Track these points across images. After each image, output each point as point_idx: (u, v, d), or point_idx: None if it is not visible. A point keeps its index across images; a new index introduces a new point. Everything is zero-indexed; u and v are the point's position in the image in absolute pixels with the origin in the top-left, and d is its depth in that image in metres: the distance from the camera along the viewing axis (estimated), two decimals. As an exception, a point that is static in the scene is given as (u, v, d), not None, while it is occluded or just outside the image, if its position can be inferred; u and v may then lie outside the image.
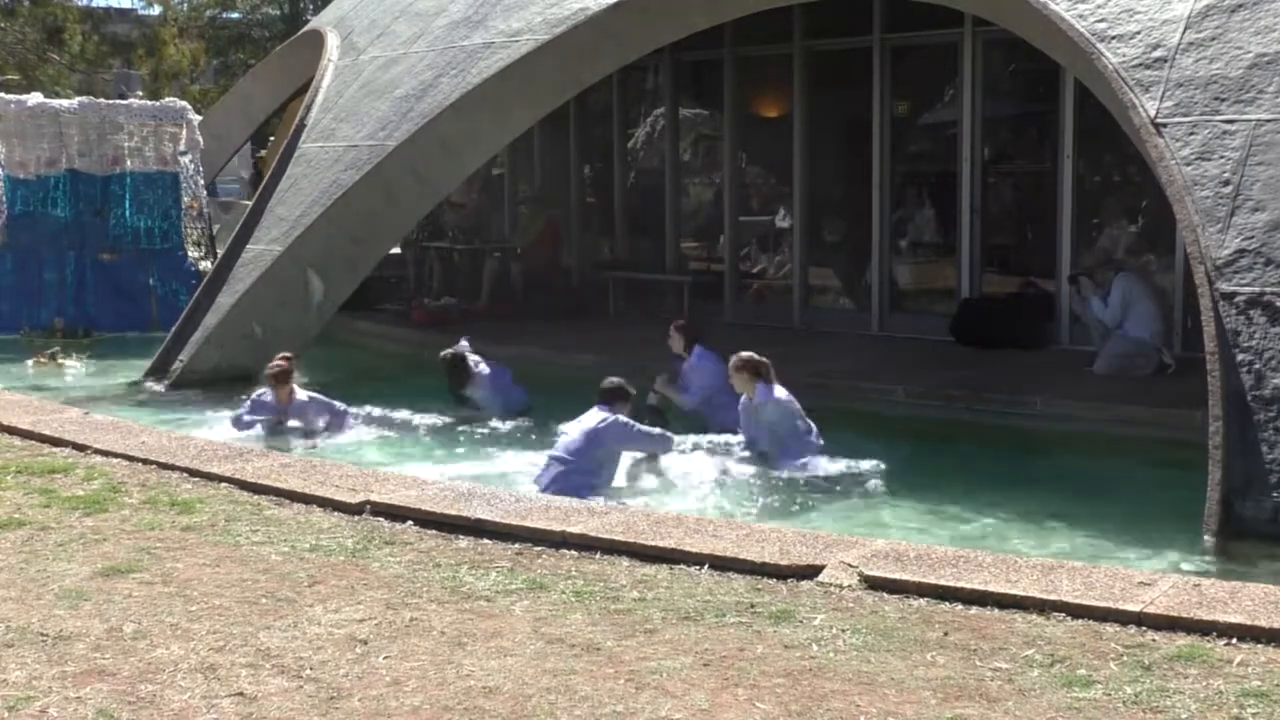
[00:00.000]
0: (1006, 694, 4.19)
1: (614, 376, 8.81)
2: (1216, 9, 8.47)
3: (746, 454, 8.82)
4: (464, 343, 10.90)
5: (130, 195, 15.45)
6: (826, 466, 8.63)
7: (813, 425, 8.84)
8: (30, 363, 13.18)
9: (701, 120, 16.47)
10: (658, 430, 8.79)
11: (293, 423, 9.96)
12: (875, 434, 9.69)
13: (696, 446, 9.03)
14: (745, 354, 8.95)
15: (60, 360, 13.23)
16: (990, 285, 13.19)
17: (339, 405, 10.19)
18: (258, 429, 9.90)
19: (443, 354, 10.79)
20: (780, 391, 8.84)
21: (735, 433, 9.05)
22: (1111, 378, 10.73)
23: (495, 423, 10.17)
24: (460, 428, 10.10)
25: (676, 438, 8.79)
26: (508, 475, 8.63)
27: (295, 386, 10.10)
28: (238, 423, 9.96)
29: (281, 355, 10.20)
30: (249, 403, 10.11)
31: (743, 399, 8.97)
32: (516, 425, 10.09)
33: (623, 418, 8.50)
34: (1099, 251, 12.32)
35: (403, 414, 10.34)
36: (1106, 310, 11.11)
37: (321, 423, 10.02)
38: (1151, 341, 10.97)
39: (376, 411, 10.41)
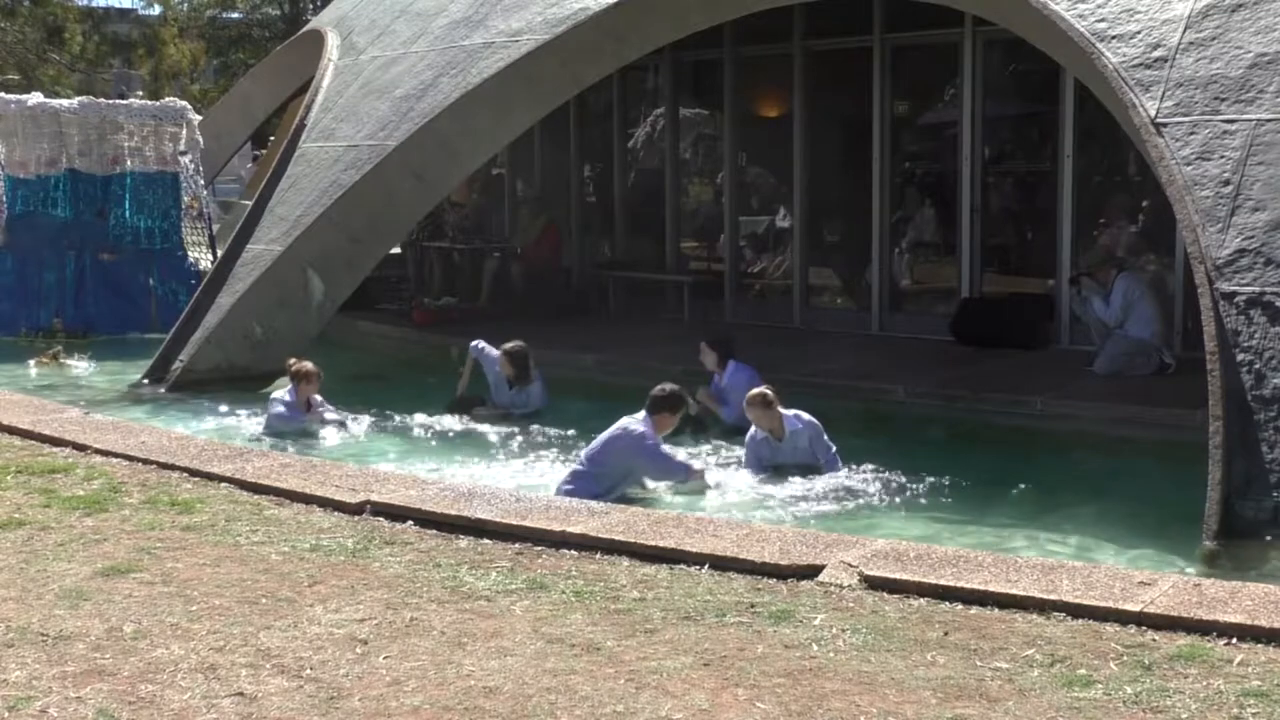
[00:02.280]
0: (1006, 694, 4.19)
1: (669, 384, 8.43)
2: (1216, 9, 8.47)
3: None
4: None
5: (130, 195, 15.45)
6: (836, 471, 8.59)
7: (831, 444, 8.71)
8: (33, 363, 13.18)
9: (701, 120, 16.46)
10: (680, 459, 8.34)
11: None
12: (875, 434, 9.70)
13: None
14: (764, 390, 8.60)
15: (62, 360, 13.23)
16: (990, 285, 13.19)
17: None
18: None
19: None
20: (804, 414, 8.64)
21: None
22: (1111, 377, 10.74)
23: (497, 424, 10.19)
24: (460, 428, 10.11)
25: (701, 470, 8.36)
26: (508, 475, 8.63)
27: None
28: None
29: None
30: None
31: (759, 434, 8.57)
32: (518, 425, 10.09)
33: (649, 435, 8.09)
34: (1100, 251, 12.32)
35: (403, 414, 10.34)
36: (1108, 310, 11.11)
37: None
38: (1152, 341, 10.98)
39: (376, 411, 10.41)
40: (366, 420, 10.25)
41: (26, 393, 10.82)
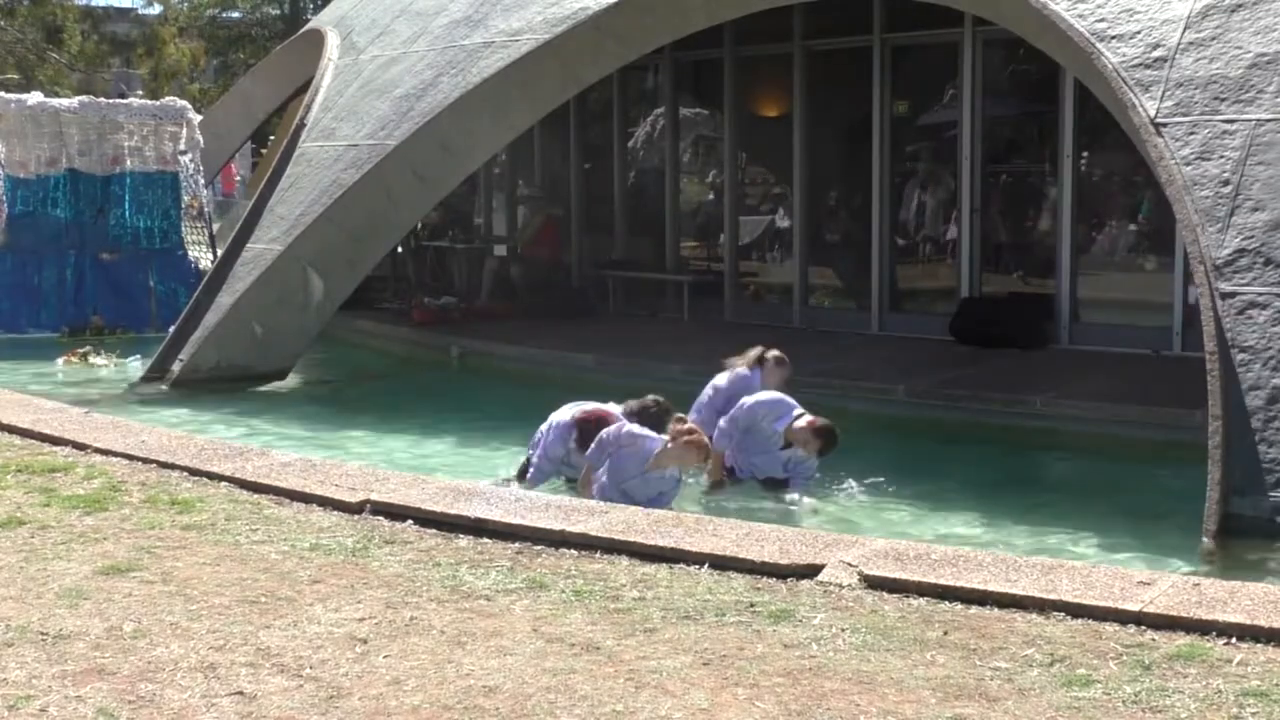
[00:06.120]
0: (1006, 693, 4.19)
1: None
2: (1216, 9, 8.48)
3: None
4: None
5: (130, 195, 15.46)
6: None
7: None
8: (60, 361, 13.18)
9: (701, 120, 16.47)
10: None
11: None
12: (876, 433, 9.70)
13: None
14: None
15: (91, 360, 13.23)
16: (990, 285, 13.20)
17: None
18: None
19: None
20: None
21: None
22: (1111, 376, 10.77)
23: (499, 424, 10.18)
24: (460, 427, 10.11)
25: None
26: (507, 474, 8.62)
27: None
28: None
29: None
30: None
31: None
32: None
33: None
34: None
35: (403, 413, 10.34)
36: None
37: None
38: None
39: (376, 410, 10.41)
40: None
41: (48, 390, 10.80)
